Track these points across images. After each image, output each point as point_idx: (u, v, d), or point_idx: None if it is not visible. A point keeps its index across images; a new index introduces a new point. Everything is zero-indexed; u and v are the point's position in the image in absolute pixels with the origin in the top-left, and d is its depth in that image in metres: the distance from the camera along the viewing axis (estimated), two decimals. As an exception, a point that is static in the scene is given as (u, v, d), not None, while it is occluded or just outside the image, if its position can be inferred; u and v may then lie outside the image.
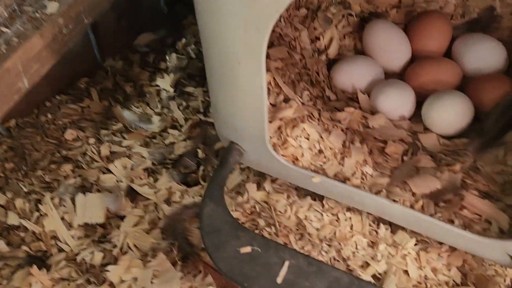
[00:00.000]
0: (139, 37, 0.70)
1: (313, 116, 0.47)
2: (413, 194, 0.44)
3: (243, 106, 0.40)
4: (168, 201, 0.52)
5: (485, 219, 0.42)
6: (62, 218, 0.51)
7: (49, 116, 0.60)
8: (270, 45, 0.50)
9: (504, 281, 0.45)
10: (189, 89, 0.64)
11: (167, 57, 0.67)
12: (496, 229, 0.41)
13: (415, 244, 0.47)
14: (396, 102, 0.50)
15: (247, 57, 0.35)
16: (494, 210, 0.42)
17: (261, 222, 0.48)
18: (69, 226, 0.50)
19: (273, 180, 0.51)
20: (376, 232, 0.47)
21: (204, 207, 0.42)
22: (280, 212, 0.48)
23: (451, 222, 0.43)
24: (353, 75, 0.52)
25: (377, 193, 0.44)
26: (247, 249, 0.40)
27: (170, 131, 0.60)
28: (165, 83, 0.65)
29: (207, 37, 0.37)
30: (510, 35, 0.52)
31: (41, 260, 0.48)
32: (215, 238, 0.41)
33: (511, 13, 0.55)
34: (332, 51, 0.56)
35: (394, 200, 0.43)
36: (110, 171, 0.55)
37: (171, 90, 0.64)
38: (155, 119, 0.61)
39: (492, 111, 0.47)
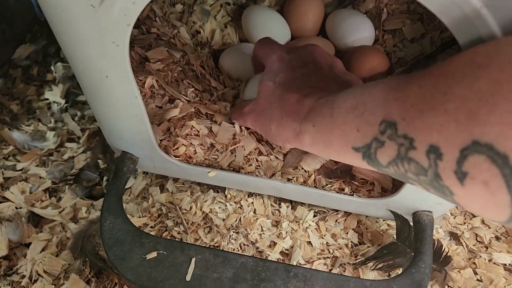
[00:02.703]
0: (17, 50, 0.66)
1: (201, 112, 0.47)
2: (306, 170, 0.47)
3: (123, 117, 0.40)
4: (74, 219, 0.51)
5: (370, 182, 0.46)
6: (-41, 259, 0.48)
7: None
8: (149, 47, 0.49)
9: (396, 232, 0.50)
10: (82, 97, 0.62)
11: (52, 68, 0.64)
12: (379, 189, 0.45)
13: (314, 216, 0.50)
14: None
15: (113, 71, 0.35)
16: (377, 173, 0.46)
17: (169, 223, 0.49)
18: (-31, 265, 0.48)
19: (175, 180, 0.52)
20: (279, 211, 0.50)
21: (103, 221, 0.42)
22: (186, 210, 0.49)
23: (342, 190, 0.46)
24: (237, 63, 0.54)
25: (272, 176, 0.46)
26: (152, 255, 0.41)
27: (68, 145, 0.58)
28: (54, 95, 0.62)
29: (71, 55, 0.36)
30: (374, 7, 0.56)
31: None
32: (118, 250, 0.41)
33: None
34: (216, 42, 0.56)
35: (288, 179, 0.46)
36: (7, 199, 0.52)
37: (63, 101, 0.62)
38: (50, 135, 0.59)
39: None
